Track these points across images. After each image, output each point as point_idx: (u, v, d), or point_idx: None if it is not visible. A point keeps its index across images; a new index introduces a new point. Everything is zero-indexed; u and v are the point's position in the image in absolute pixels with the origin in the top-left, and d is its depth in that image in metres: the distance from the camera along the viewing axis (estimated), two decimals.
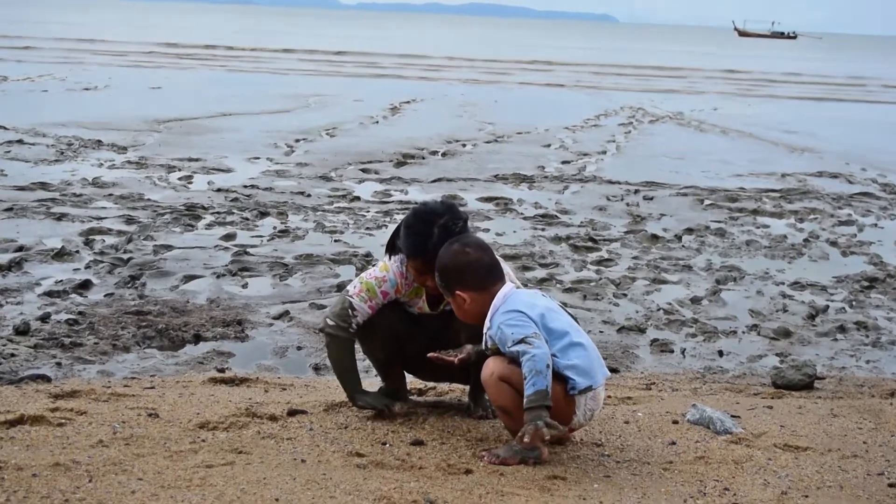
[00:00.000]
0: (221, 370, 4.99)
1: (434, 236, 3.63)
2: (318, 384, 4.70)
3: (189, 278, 6.73)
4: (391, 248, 3.91)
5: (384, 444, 3.64)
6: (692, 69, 38.30)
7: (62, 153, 11.72)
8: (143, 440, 3.56)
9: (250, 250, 7.50)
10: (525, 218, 9.26)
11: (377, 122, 16.23)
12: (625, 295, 6.78)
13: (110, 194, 9.39)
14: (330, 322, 3.86)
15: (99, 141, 12.82)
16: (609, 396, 4.53)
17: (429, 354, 3.75)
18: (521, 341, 3.29)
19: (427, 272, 3.69)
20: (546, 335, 3.33)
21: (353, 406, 3.92)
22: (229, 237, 7.94)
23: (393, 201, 9.85)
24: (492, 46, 52.60)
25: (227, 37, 48.38)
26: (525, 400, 3.26)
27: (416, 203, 9.56)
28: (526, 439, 3.26)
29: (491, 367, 3.40)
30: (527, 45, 51.54)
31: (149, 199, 9.27)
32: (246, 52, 36.73)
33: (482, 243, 3.58)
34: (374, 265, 3.97)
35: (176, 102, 17.93)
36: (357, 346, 3.93)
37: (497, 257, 3.60)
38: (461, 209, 3.81)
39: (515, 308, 3.37)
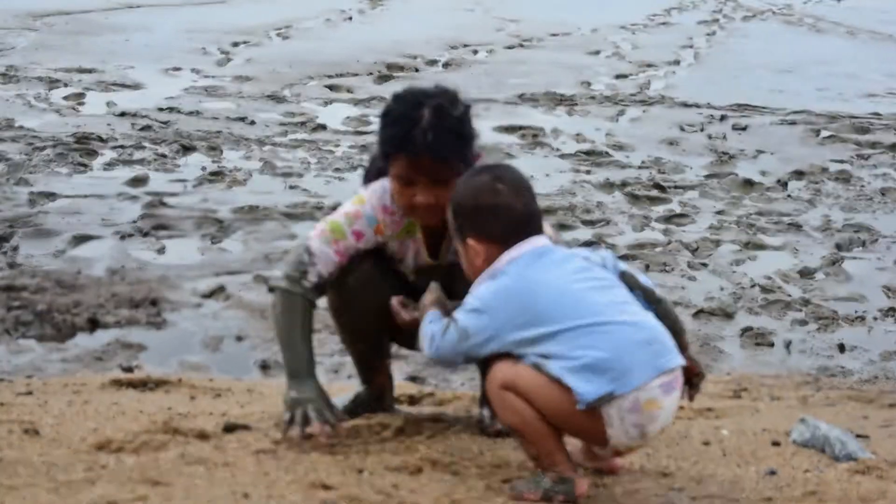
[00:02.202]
0: (128, 369, 5.02)
1: (423, 121, 3.59)
2: (267, 389, 4.74)
3: (81, 240, 6.74)
4: (370, 176, 3.92)
5: (361, 471, 3.68)
6: None
7: None
8: (16, 466, 3.59)
9: (169, 200, 7.53)
10: (562, 156, 9.27)
11: (350, 17, 16.20)
12: (705, 265, 6.81)
13: None
14: (279, 274, 3.87)
15: None
16: (681, 408, 4.57)
17: (393, 300, 3.76)
18: (453, 321, 3.41)
19: (416, 179, 3.64)
20: (531, 332, 3.34)
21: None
22: (139, 182, 7.96)
23: (372, 131, 9.82)
24: None
25: None
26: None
27: None
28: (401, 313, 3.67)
29: (492, 372, 3.43)
30: None
31: (21, 127, 9.28)
32: None
33: (522, 182, 3.53)
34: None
35: None
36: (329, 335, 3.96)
37: (537, 206, 3.57)
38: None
39: (506, 290, 3.38)
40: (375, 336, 4.03)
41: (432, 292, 3.64)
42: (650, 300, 3.52)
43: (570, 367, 3.29)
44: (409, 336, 3.83)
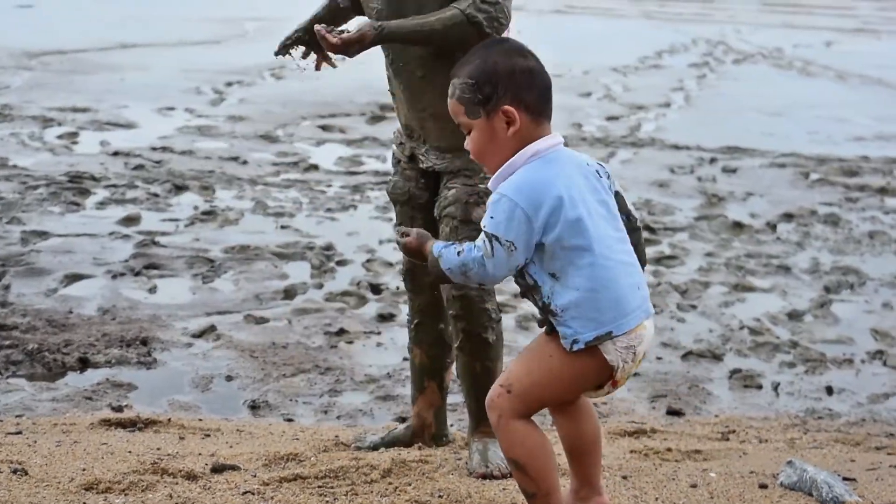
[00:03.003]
0: (118, 408, 5.02)
1: None
2: (256, 429, 4.74)
3: (73, 279, 6.76)
4: None
5: None
6: None
7: None
8: None
9: (161, 240, 7.54)
10: None
11: (343, 58, 16.25)
12: (694, 307, 6.83)
13: None
14: None
15: None
16: (668, 449, 4.57)
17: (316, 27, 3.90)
18: (491, 238, 3.24)
19: None
20: (553, 241, 3.25)
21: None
22: (131, 221, 7.98)
23: (365, 171, 9.88)
24: None
25: None
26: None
27: None
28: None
29: (496, 402, 3.42)
30: None
31: (14, 166, 9.30)
32: None
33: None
34: None
35: (55, 27, 17.97)
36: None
37: None
38: None
39: (533, 183, 3.28)
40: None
41: (412, 232, 3.51)
42: (631, 227, 3.49)
43: (575, 306, 3.25)
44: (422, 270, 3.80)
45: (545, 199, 3.22)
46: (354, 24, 3.95)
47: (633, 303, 3.29)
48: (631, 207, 3.47)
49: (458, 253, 3.25)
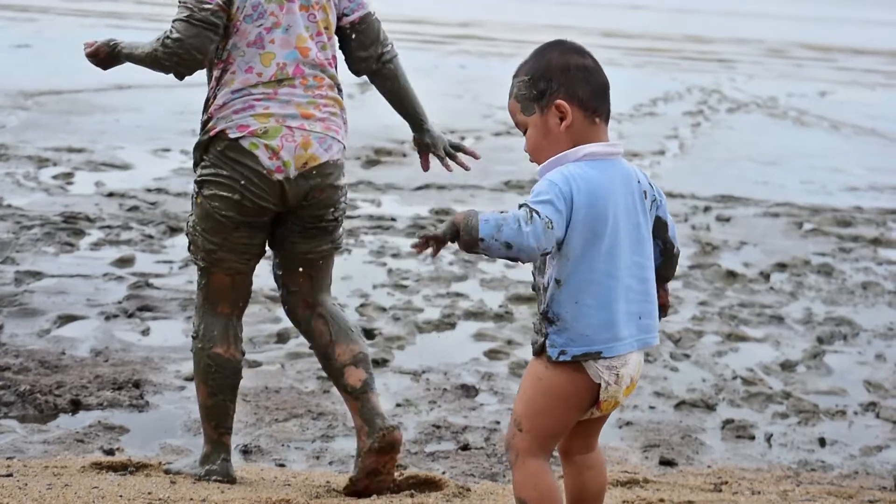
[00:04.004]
0: (110, 451, 5.02)
1: None
2: (248, 474, 4.73)
3: (66, 320, 6.76)
4: None
5: None
6: (790, 43, 38.66)
7: None
8: None
9: (154, 281, 7.55)
10: None
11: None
12: (687, 356, 6.84)
13: None
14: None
15: None
16: (661, 500, 4.57)
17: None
18: (531, 210, 3.21)
19: None
20: (569, 243, 3.27)
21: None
22: (125, 262, 7.98)
23: (360, 216, 9.90)
24: (510, 3, 52.96)
25: None
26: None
27: (391, 218, 9.68)
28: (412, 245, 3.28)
29: (511, 442, 3.42)
30: (557, 2, 51.91)
31: (9, 206, 9.31)
32: None
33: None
34: None
35: (51, 67, 18.02)
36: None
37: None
38: None
39: (579, 180, 3.29)
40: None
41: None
42: (666, 252, 3.51)
43: (571, 318, 3.27)
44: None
45: (583, 198, 3.26)
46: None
47: (626, 330, 3.31)
48: (671, 234, 3.48)
49: (500, 212, 3.25)
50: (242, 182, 4.30)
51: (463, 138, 14.27)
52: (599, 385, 3.30)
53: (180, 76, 4.36)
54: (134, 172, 11.10)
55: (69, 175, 10.71)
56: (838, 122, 18.01)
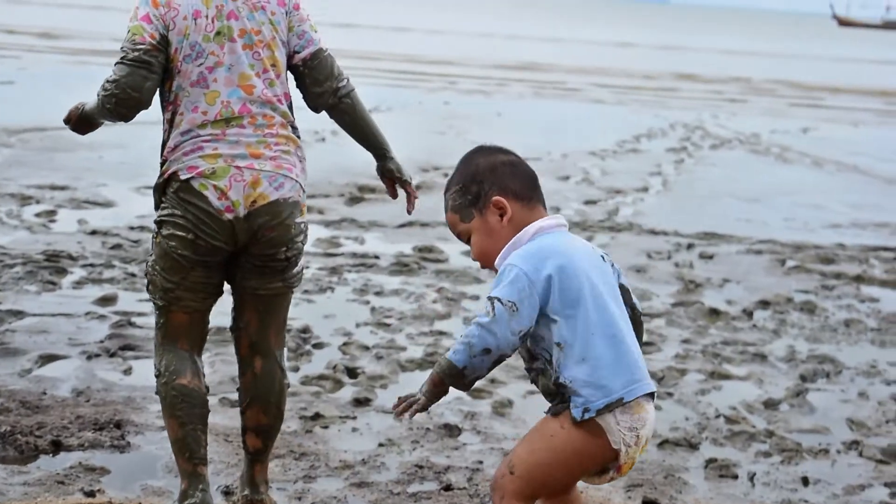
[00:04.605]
0: (90, 493, 4.99)
1: None
2: None
3: (47, 359, 6.73)
4: None
5: None
6: (769, 82, 38.89)
7: None
8: None
9: (136, 320, 7.53)
10: None
11: (323, 138, 16.37)
12: (670, 394, 6.84)
13: None
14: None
15: None
16: None
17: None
18: (493, 300, 3.31)
19: None
20: (556, 308, 3.31)
21: None
22: (107, 301, 7.97)
23: (343, 253, 9.90)
24: (496, 41, 53.19)
25: (112, 20, 48.69)
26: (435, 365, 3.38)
27: (374, 255, 9.68)
28: (392, 406, 3.41)
29: (499, 483, 3.43)
30: (546, 39, 52.12)
31: None
32: None
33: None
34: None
35: (34, 104, 18.03)
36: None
37: None
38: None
39: (536, 251, 3.36)
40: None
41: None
42: (635, 319, 3.57)
43: (585, 375, 3.30)
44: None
45: (548, 266, 3.33)
46: None
47: (638, 373, 3.36)
48: (636, 301, 3.57)
49: (461, 336, 3.32)
50: (195, 222, 4.37)
51: (447, 175, 14.30)
52: (617, 451, 3.33)
53: (124, 118, 4.47)
54: (117, 210, 11.10)
55: (52, 213, 10.70)
56: (821, 159, 18.10)
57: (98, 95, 4.48)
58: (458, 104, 22.84)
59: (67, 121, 4.72)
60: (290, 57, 4.55)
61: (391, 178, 4.81)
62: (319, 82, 4.60)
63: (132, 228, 10.24)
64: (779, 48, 62.91)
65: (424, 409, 3.42)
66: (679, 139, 19.56)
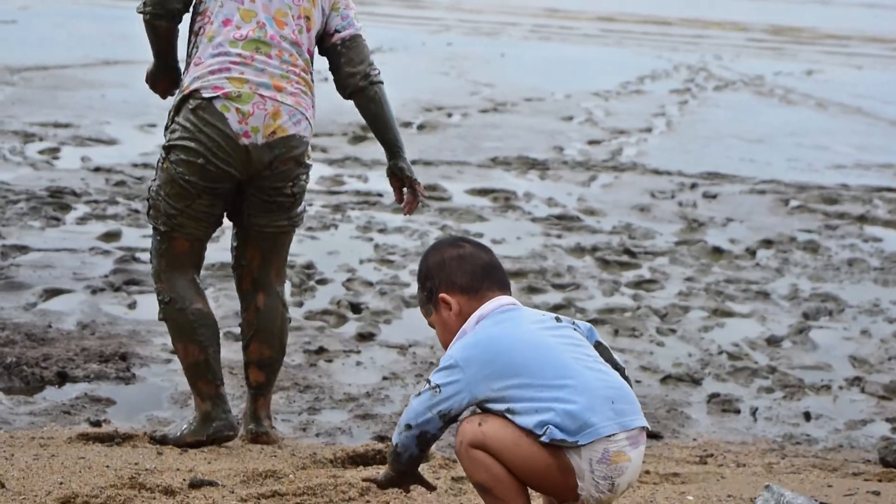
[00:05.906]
0: (96, 423, 5.01)
1: None
2: (234, 444, 4.74)
3: (52, 293, 6.75)
4: None
5: None
6: (780, 27, 38.70)
7: None
8: None
9: (141, 256, 7.53)
10: (534, 220, 9.33)
11: (326, 78, 16.25)
12: (673, 331, 6.85)
13: None
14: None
15: None
16: (647, 472, 4.58)
17: None
18: (430, 378, 3.43)
19: None
20: (496, 383, 3.37)
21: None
22: (111, 236, 7.97)
23: (346, 191, 9.90)
24: None
25: None
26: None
27: (377, 194, 9.68)
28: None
29: (461, 431, 3.45)
30: None
31: None
32: None
33: (482, 244, 3.71)
34: None
35: (37, 43, 17.95)
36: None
37: (500, 264, 3.69)
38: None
39: (472, 341, 3.44)
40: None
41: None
42: (621, 376, 3.58)
43: (538, 421, 3.32)
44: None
45: (487, 355, 3.41)
46: None
47: (597, 416, 3.34)
48: (617, 359, 3.61)
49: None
50: (208, 145, 4.36)
51: (450, 115, 14.28)
52: (582, 494, 3.37)
53: (170, 19, 4.57)
54: (120, 147, 11.08)
55: (55, 150, 10.68)
56: (824, 101, 18.03)
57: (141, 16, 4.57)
58: (462, 45, 22.75)
59: (152, 86, 4.89)
60: (329, 35, 4.59)
61: (400, 177, 4.81)
62: (354, 63, 4.63)
63: (135, 166, 10.23)
64: None
65: (381, 487, 3.62)
66: (683, 80, 19.48)
